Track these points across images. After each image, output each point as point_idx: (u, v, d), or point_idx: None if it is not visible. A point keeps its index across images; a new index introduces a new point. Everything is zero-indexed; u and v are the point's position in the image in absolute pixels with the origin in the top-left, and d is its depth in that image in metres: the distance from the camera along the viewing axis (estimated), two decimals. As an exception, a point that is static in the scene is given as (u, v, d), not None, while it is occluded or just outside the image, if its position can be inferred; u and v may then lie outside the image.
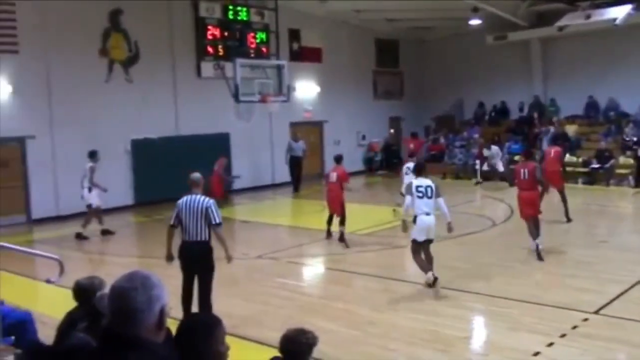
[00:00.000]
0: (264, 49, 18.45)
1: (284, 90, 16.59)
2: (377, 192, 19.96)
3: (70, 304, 4.48)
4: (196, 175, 6.91)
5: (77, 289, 4.46)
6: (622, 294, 7.64)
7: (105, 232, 12.86)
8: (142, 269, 2.35)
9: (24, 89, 14.27)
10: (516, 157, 18.30)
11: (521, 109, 22.65)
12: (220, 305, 6.71)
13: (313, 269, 10.54)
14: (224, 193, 14.70)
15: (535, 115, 21.64)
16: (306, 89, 21.00)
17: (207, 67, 17.40)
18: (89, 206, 12.68)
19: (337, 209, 11.42)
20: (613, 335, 6.28)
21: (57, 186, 14.80)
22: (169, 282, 2.37)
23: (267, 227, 13.80)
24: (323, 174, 14.25)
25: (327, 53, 21.47)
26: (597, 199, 16.38)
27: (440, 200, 8.12)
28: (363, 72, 23.40)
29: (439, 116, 24.72)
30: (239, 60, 15.66)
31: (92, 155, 12.65)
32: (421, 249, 8.17)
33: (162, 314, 2.15)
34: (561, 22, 17.41)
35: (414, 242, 8.14)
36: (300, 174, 19.05)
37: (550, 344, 6.06)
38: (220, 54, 17.51)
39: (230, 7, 17.82)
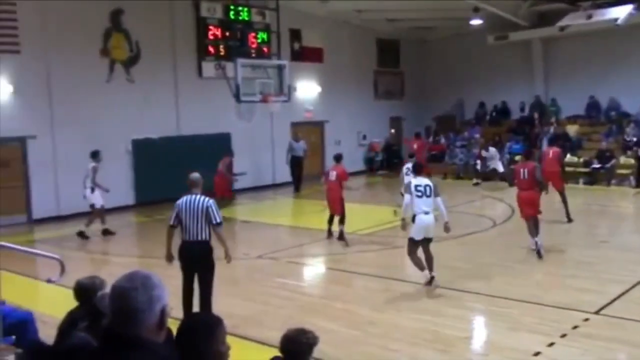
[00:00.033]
0: (265, 49, 18.45)
1: (285, 90, 16.59)
2: (377, 192, 19.96)
3: (71, 303, 4.48)
4: (195, 175, 6.92)
5: (78, 288, 4.46)
6: (622, 294, 7.64)
7: (106, 232, 12.87)
8: (142, 269, 2.35)
9: (25, 88, 14.28)
10: (517, 157, 18.31)
11: (522, 109, 22.65)
12: (221, 305, 6.72)
13: (313, 269, 10.55)
14: (231, 192, 14.69)
15: (536, 115, 21.63)
16: (307, 89, 21.01)
17: (208, 67, 17.39)
18: (93, 206, 12.69)
19: (337, 209, 11.44)
20: (614, 336, 6.28)
21: (57, 186, 14.80)
22: (169, 282, 2.37)
23: (267, 227, 13.80)
24: (323, 172, 14.26)
25: (328, 53, 21.47)
26: (598, 199, 16.38)
27: (438, 199, 8.16)
28: (364, 72, 23.40)
29: (440, 116, 24.73)
30: (240, 60, 15.66)
31: (94, 155, 12.66)
32: (418, 248, 8.19)
33: (163, 314, 2.15)
34: (562, 22, 17.41)
35: (411, 240, 8.18)
36: (301, 174, 19.05)
37: (551, 344, 6.06)
38: (222, 54, 17.50)
39: (232, 7, 17.82)
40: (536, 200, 10.05)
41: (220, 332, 2.67)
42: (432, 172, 17.45)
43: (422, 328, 6.75)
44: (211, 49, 17.50)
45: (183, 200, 6.74)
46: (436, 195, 8.13)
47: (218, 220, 6.68)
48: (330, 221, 11.68)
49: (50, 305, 7.01)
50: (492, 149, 19.48)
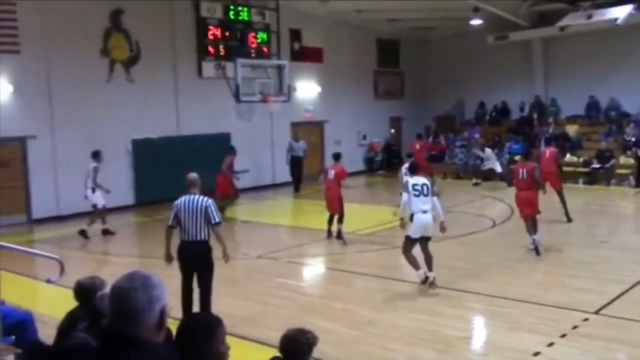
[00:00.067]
0: (265, 49, 18.45)
1: (284, 90, 16.59)
2: (377, 192, 19.97)
3: (71, 303, 4.49)
4: (193, 175, 6.92)
5: (78, 288, 4.46)
6: (622, 294, 7.64)
7: (106, 232, 12.87)
8: (142, 269, 2.35)
9: (24, 89, 14.28)
10: (517, 157, 18.31)
11: (522, 109, 22.66)
12: (220, 305, 6.72)
13: (313, 269, 10.55)
14: (234, 190, 14.70)
15: (535, 115, 21.65)
16: (307, 89, 21.01)
17: (208, 67, 17.40)
18: (95, 206, 12.69)
19: (336, 208, 11.47)
20: (613, 335, 6.28)
21: (57, 186, 14.80)
22: (168, 282, 2.37)
23: (267, 227, 13.80)
24: (322, 170, 14.26)
25: (328, 53, 21.47)
26: (598, 199, 16.39)
27: (435, 199, 8.20)
28: (364, 72, 23.40)
29: (440, 116, 24.73)
30: (240, 60, 15.66)
31: (96, 155, 12.66)
32: (413, 246, 8.22)
33: (163, 314, 2.16)
34: (562, 22, 17.41)
35: (408, 238, 8.21)
36: (301, 174, 19.05)
37: (551, 344, 6.06)
38: (221, 54, 17.51)
39: (232, 7, 17.82)
40: (535, 201, 10.09)
41: (220, 332, 2.67)
42: (433, 172, 17.48)
43: (422, 328, 6.75)
44: (211, 49, 17.51)
45: (181, 200, 6.74)
46: (433, 195, 8.17)
47: (217, 220, 6.69)
48: (330, 221, 11.69)
49: (49, 305, 7.01)
50: (488, 150, 19.52)
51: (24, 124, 14.16)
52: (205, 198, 6.73)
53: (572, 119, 21.52)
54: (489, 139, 21.17)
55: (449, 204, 15.09)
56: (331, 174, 11.64)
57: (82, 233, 12.55)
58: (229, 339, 2.72)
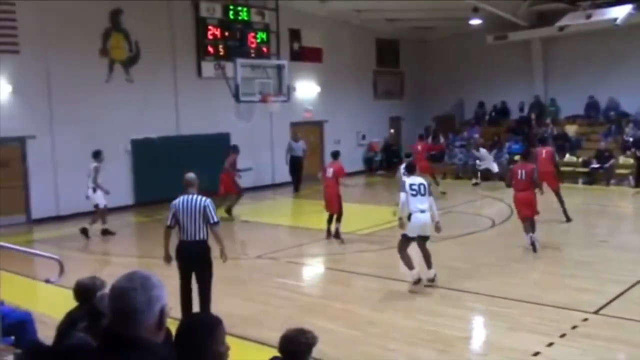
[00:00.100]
0: (264, 49, 18.45)
1: (284, 90, 16.58)
2: (377, 192, 19.97)
3: (70, 304, 4.48)
4: (191, 175, 6.92)
5: (78, 288, 4.46)
6: (622, 293, 7.64)
7: (106, 232, 12.87)
8: (142, 269, 2.35)
9: (24, 88, 14.27)
10: (516, 157, 18.30)
11: (521, 109, 22.65)
12: (220, 305, 6.72)
13: (313, 269, 10.55)
14: (237, 188, 14.73)
15: (533, 116, 21.68)
16: (306, 89, 21.00)
17: (208, 67, 17.40)
18: (97, 206, 12.69)
19: (334, 207, 11.49)
20: (613, 335, 6.28)
21: (57, 186, 14.80)
22: (168, 283, 2.37)
23: (267, 227, 13.80)
24: (322, 167, 14.27)
25: (328, 53, 21.47)
26: (597, 198, 16.39)
27: (430, 199, 8.24)
28: (363, 72, 23.40)
29: (440, 116, 24.73)
30: (240, 60, 15.65)
31: (96, 155, 12.66)
32: (409, 245, 8.25)
33: (162, 314, 2.16)
34: (562, 22, 17.41)
35: (404, 236, 8.23)
36: (301, 174, 19.05)
37: (550, 344, 6.06)
38: (221, 53, 17.51)
39: (231, 7, 17.82)
40: (533, 202, 10.13)
41: (220, 332, 2.67)
42: (434, 172, 17.46)
43: (421, 328, 6.75)
44: (210, 49, 17.51)
45: (179, 200, 6.74)
46: (430, 194, 8.23)
47: (215, 220, 6.70)
48: (330, 221, 11.70)
49: (49, 305, 7.01)
50: (483, 150, 19.56)
51: (23, 124, 14.16)
52: (204, 198, 6.73)
53: (572, 119, 21.52)
54: (488, 139, 21.17)
55: (449, 204, 15.12)
56: (330, 172, 11.67)
57: (84, 231, 12.56)
58: (228, 339, 2.72)
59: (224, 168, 14.43)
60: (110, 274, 3.19)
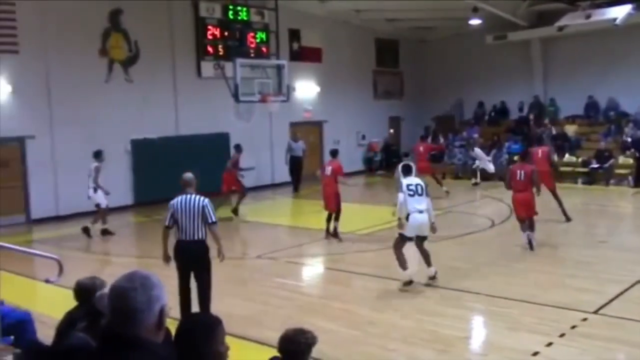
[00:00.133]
0: (264, 49, 18.45)
1: (283, 90, 16.58)
2: (376, 192, 19.97)
3: (70, 303, 4.48)
4: (189, 175, 6.92)
5: (78, 288, 4.46)
6: (621, 293, 7.64)
7: (105, 232, 12.86)
8: (141, 269, 2.35)
9: (23, 88, 14.27)
10: (516, 157, 18.30)
11: (521, 109, 22.67)
12: (220, 305, 6.72)
13: (312, 269, 10.55)
14: (243, 188, 14.75)
15: (531, 116, 21.70)
16: (306, 89, 21.00)
17: (207, 67, 17.39)
18: (98, 205, 12.68)
19: (332, 206, 11.53)
20: (612, 335, 6.28)
21: (56, 186, 14.79)
22: (167, 283, 2.37)
23: (266, 227, 13.80)
24: (321, 166, 14.28)
25: (327, 53, 21.47)
26: (597, 199, 16.40)
27: (428, 199, 8.28)
28: (363, 72, 23.40)
29: (439, 116, 24.73)
30: (239, 60, 15.64)
31: (97, 155, 12.66)
32: (405, 244, 8.28)
33: (162, 314, 2.15)
34: (561, 22, 17.42)
35: (401, 235, 8.24)
36: (300, 174, 19.05)
37: (550, 344, 6.06)
38: (221, 53, 17.51)
39: (231, 7, 17.82)
40: (532, 202, 10.17)
41: (220, 332, 2.67)
42: (436, 172, 17.45)
43: (421, 328, 6.75)
44: (210, 49, 17.51)
45: (177, 200, 6.74)
46: (427, 195, 8.27)
47: (214, 219, 6.71)
48: (329, 219, 11.73)
49: (48, 305, 7.01)
50: (477, 150, 19.59)
51: (22, 124, 14.15)
52: (202, 197, 6.73)
53: (571, 119, 21.53)
54: (488, 139, 21.17)
55: (448, 204, 15.13)
56: (328, 170, 11.74)
57: (85, 230, 12.56)
58: (228, 339, 2.72)
59: (227, 167, 14.50)
60: (109, 274, 3.19)
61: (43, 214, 14.61)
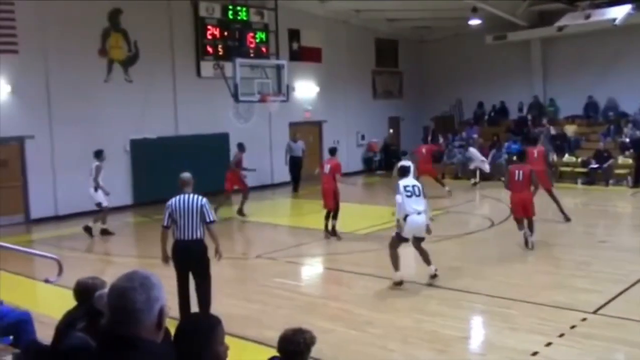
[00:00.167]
0: (263, 49, 18.44)
1: (283, 90, 16.56)
2: (376, 192, 19.97)
3: (69, 303, 4.48)
4: (186, 174, 6.91)
5: (78, 288, 4.45)
6: (620, 293, 7.64)
7: (105, 232, 12.86)
8: (141, 269, 2.35)
9: (23, 88, 14.26)
10: (514, 158, 18.31)
11: (520, 109, 22.68)
12: (220, 305, 6.73)
13: (312, 269, 10.55)
14: (246, 186, 14.78)
15: (529, 117, 21.72)
16: (306, 89, 21.00)
17: (207, 67, 17.39)
18: (99, 204, 12.68)
19: (331, 204, 11.55)
20: (612, 335, 6.28)
21: (55, 186, 14.79)
22: (166, 283, 2.37)
23: (266, 226, 13.81)
24: (320, 164, 14.30)
25: (327, 53, 21.47)
26: (596, 199, 16.40)
27: (425, 200, 8.32)
28: (362, 72, 23.41)
29: (439, 116, 24.74)
30: (239, 60, 15.62)
31: (98, 154, 12.66)
32: (400, 245, 8.33)
33: (162, 314, 2.15)
34: (561, 22, 17.44)
35: (397, 235, 8.28)
36: (300, 174, 19.05)
37: (549, 344, 6.06)
38: (220, 53, 17.50)
39: (230, 7, 17.81)
40: (531, 202, 10.16)
41: (219, 332, 2.67)
42: (436, 173, 17.44)
43: (420, 328, 6.75)
44: (210, 49, 17.51)
45: (175, 200, 6.74)
46: (424, 196, 8.33)
47: (212, 218, 6.72)
48: (327, 217, 11.76)
49: (48, 305, 7.01)
50: (472, 150, 19.61)
51: (22, 123, 14.15)
52: (200, 197, 6.74)
53: (571, 119, 21.54)
54: (487, 139, 21.18)
55: (447, 203, 15.13)
56: (327, 168, 11.78)
57: (87, 230, 12.56)
58: (227, 339, 2.72)
59: (230, 166, 14.56)
60: (109, 274, 3.20)
61: (42, 213, 14.60)
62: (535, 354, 5.84)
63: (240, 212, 14.39)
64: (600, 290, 7.83)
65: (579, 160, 18.95)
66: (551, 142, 19.84)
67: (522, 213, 10.12)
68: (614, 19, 15.96)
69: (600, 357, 5.82)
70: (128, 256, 11.47)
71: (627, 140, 18.60)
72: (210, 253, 6.85)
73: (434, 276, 8.26)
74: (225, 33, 17.73)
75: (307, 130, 21.04)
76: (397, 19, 22.71)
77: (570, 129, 20.84)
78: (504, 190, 11.33)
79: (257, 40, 18.33)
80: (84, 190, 12.64)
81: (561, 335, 6.28)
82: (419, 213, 8.12)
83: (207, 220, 6.68)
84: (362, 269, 9.66)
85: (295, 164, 18.99)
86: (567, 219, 12.37)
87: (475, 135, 21.71)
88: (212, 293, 6.80)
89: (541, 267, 9.42)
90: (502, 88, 23.08)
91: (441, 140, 22.78)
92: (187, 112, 17.28)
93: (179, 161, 14.12)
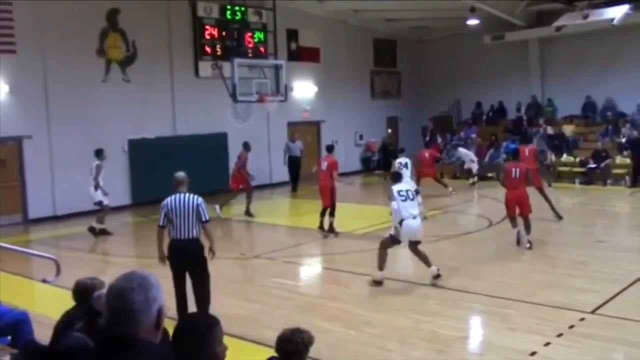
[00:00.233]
0: (261, 49, 18.42)
1: (281, 90, 16.54)
2: (374, 192, 19.96)
3: (67, 304, 4.47)
4: (181, 174, 6.90)
5: (77, 289, 4.45)
6: (619, 293, 7.65)
7: (103, 232, 12.83)
8: (139, 269, 2.34)
9: (21, 88, 14.24)
10: (510, 156, 18.33)
11: (519, 109, 22.70)
12: (218, 305, 6.72)
13: (310, 269, 10.54)
14: (249, 185, 14.79)
15: (525, 117, 21.75)
16: (304, 89, 21.00)
17: (205, 67, 17.38)
18: (100, 203, 12.66)
19: (327, 201, 11.59)
20: (610, 335, 6.29)
21: (53, 186, 14.77)
22: (164, 283, 2.37)
23: (265, 226, 13.80)
24: (317, 161, 14.31)
25: (325, 53, 21.47)
26: (594, 198, 16.41)
27: (418, 204, 8.38)
28: (361, 72, 23.41)
29: (437, 116, 24.75)
30: (237, 60, 15.60)
31: (99, 153, 12.65)
32: (392, 246, 8.39)
33: (160, 314, 2.15)
34: (559, 22, 17.47)
35: (392, 237, 8.32)
36: (298, 174, 19.04)
37: (547, 344, 6.07)
38: (218, 53, 17.49)
39: (228, 6, 17.78)
40: (527, 200, 10.24)
41: (218, 332, 2.67)
42: (436, 174, 17.43)
43: (419, 328, 6.75)
44: (208, 49, 17.49)
45: (171, 199, 6.73)
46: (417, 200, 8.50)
47: (207, 218, 6.72)
48: (323, 214, 11.78)
49: (46, 305, 7.00)
50: (461, 150, 19.63)
51: (20, 123, 14.13)
52: (196, 196, 6.74)
53: (569, 119, 21.56)
54: (486, 139, 21.19)
55: (446, 203, 15.14)
56: (324, 165, 11.82)
57: (91, 230, 12.55)
58: (226, 339, 2.72)
59: (236, 165, 14.62)
60: (107, 274, 3.19)
61: (40, 213, 14.58)
62: (533, 353, 5.84)
63: (248, 212, 14.39)
64: (598, 290, 7.84)
65: (577, 160, 18.97)
66: (547, 141, 19.87)
67: (516, 210, 10.18)
68: (612, 19, 15.99)
69: (599, 357, 5.83)
70: (126, 256, 11.46)
71: (625, 140, 18.62)
72: (206, 252, 6.85)
73: (437, 276, 8.23)
74: (224, 33, 17.72)
75: (306, 130, 21.04)
76: (396, 19, 22.72)
77: (568, 129, 20.87)
78: (501, 189, 11.34)
79: (256, 40, 18.31)
80: (82, 190, 12.62)
81: (560, 335, 6.29)
82: (414, 217, 8.19)
83: (203, 219, 6.68)
84: (361, 269, 9.64)
85: (293, 164, 18.98)
86: (559, 217, 12.39)
87: (473, 135, 21.73)
88: (211, 293, 6.80)
89: (539, 267, 9.43)
90: (500, 88, 23.10)
91: (439, 140, 22.80)
92: (186, 112, 17.27)
93: (177, 161, 14.04)
